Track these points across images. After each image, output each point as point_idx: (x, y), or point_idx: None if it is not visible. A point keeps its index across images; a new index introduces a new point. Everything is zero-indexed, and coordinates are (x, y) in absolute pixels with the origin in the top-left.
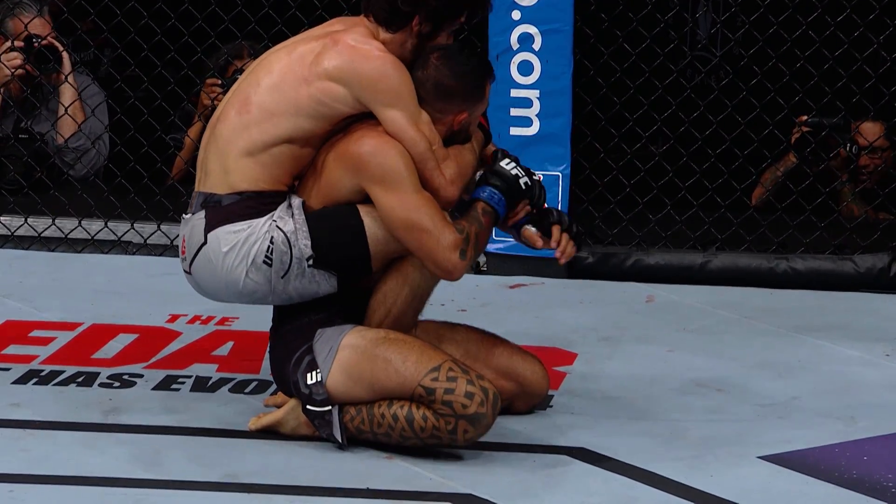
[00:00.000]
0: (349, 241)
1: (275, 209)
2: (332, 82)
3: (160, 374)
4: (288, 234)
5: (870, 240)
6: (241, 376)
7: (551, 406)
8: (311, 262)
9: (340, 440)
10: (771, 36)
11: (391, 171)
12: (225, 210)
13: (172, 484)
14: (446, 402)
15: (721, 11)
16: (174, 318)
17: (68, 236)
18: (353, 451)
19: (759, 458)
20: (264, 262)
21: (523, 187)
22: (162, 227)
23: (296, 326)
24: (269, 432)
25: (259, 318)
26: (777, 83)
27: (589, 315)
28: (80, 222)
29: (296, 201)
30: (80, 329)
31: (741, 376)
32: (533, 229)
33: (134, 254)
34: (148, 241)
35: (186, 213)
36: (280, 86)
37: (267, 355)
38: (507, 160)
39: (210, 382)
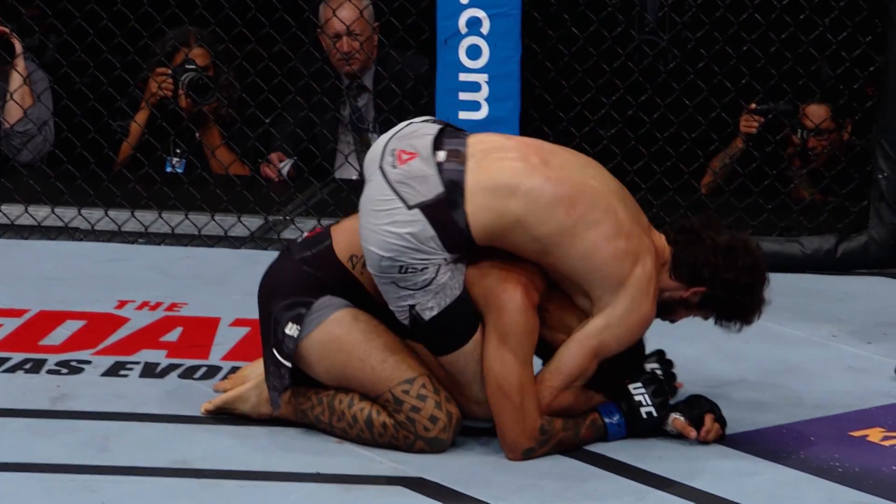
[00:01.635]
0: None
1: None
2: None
3: (108, 361)
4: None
5: (816, 222)
6: (190, 362)
7: None
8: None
9: (276, 402)
10: (718, 19)
11: (513, 332)
12: (445, 213)
13: (121, 470)
14: (410, 420)
15: None
16: (122, 304)
17: (14, 223)
18: (304, 436)
19: None
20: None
21: (644, 416)
22: (109, 213)
23: (306, 279)
24: (221, 417)
25: (208, 305)
26: (724, 67)
27: None
28: (26, 208)
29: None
30: (27, 316)
31: (689, 358)
32: (682, 419)
33: (81, 240)
34: (95, 228)
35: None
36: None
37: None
38: (638, 385)
39: (159, 368)
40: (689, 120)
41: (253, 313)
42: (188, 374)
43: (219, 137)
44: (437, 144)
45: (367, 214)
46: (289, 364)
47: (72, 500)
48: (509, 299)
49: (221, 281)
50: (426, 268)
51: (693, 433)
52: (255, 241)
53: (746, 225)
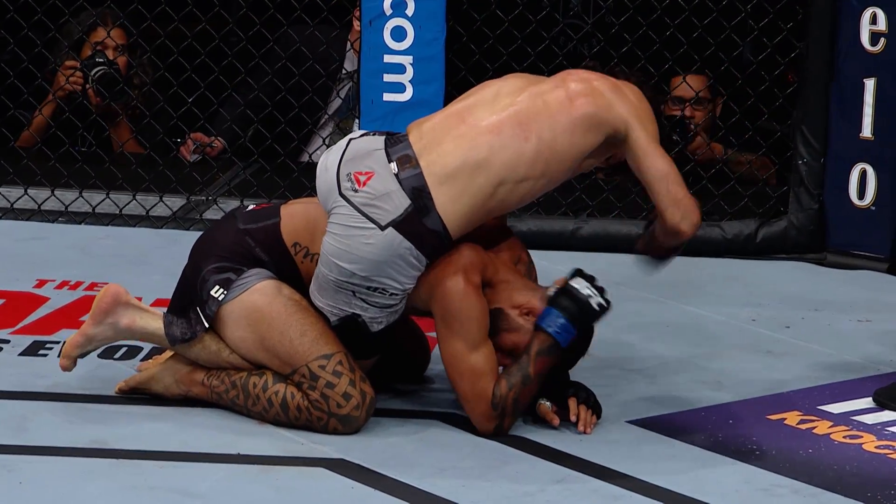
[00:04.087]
0: None
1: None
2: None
3: (27, 340)
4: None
5: (737, 206)
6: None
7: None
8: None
9: (174, 345)
10: (641, 4)
11: (457, 318)
12: (418, 224)
13: (39, 450)
14: (324, 396)
15: None
16: (42, 283)
17: None
18: (224, 417)
19: (628, 422)
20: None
21: (597, 308)
22: (29, 191)
23: (244, 250)
24: (138, 398)
25: (129, 284)
26: (648, 51)
27: None
28: None
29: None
30: None
31: (610, 341)
32: (548, 404)
33: (0, 218)
34: (14, 206)
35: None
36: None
37: None
38: (580, 279)
39: None
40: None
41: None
42: (108, 354)
43: (128, 133)
44: (388, 156)
45: (339, 237)
46: (206, 325)
47: None
48: (450, 286)
49: (142, 261)
50: (395, 294)
51: (556, 420)
52: (176, 220)
53: None
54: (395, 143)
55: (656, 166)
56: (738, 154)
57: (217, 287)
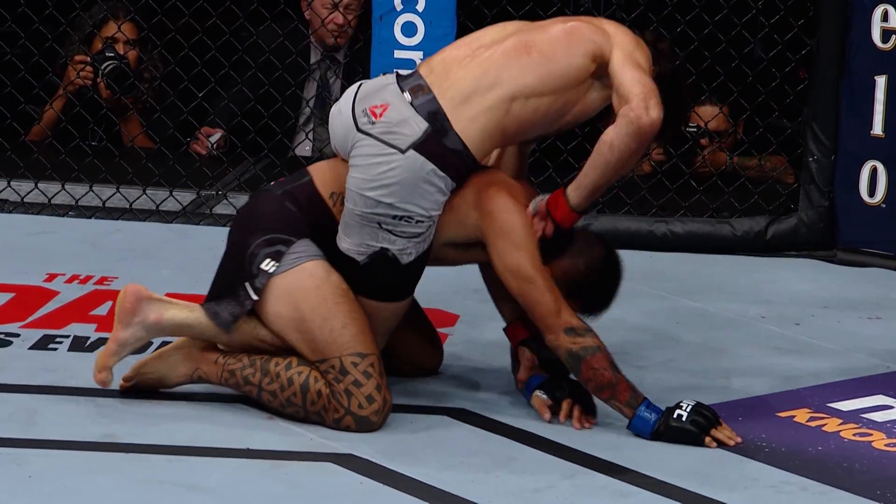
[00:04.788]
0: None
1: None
2: None
3: (37, 334)
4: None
5: (747, 203)
6: None
7: None
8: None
9: (228, 328)
10: (652, 0)
11: (515, 230)
12: (439, 145)
13: (49, 444)
14: (348, 393)
15: None
16: (52, 277)
17: None
18: (233, 411)
19: None
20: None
21: (674, 416)
22: (39, 185)
23: (288, 216)
24: (147, 393)
25: (139, 279)
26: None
27: (470, 277)
28: None
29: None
30: None
31: (620, 338)
32: (543, 396)
33: (11, 212)
34: (25, 200)
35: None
36: None
37: None
38: (689, 402)
39: (88, 342)
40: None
41: (184, 288)
42: None
43: (138, 127)
44: (400, 88)
45: (363, 169)
46: (255, 298)
47: None
48: (503, 201)
49: (152, 255)
50: (422, 222)
51: (547, 415)
52: (186, 215)
53: (678, 206)
54: (406, 77)
55: (630, 73)
56: (745, 159)
57: (268, 260)
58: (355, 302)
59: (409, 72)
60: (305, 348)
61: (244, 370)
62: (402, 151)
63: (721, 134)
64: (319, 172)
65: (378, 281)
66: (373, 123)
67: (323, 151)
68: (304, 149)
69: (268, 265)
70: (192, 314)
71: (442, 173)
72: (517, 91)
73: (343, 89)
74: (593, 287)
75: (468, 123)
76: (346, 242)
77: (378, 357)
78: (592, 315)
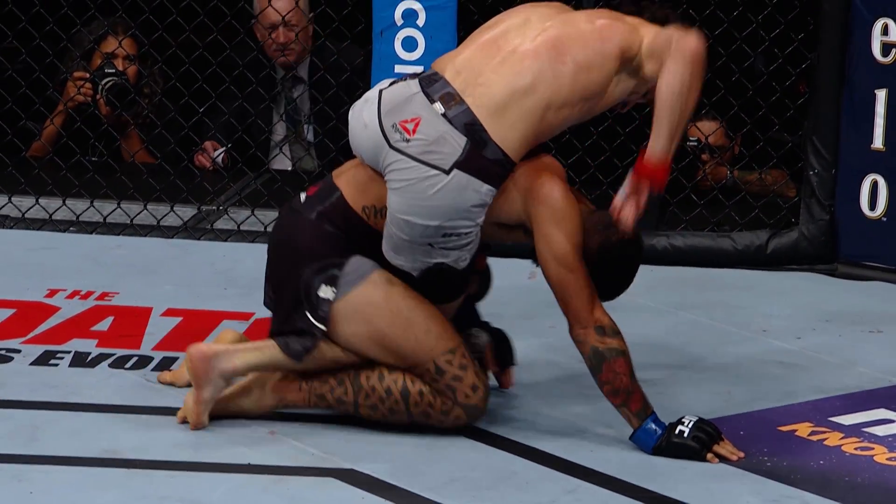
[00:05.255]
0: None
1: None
2: None
3: (38, 350)
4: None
5: (748, 217)
6: (121, 352)
7: None
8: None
9: (300, 360)
10: None
11: (565, 217)
12: (480, 158)
13: (51, 460)
14: (450, 388)
15: None
16: (53, 292)
17: None
18: (235, 427)
19: None
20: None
21: (676, 432)
22: (40, 200)
23: (329, 238)
24: (150, 408)
25: (140, 294)
26: None
27: None
28: None
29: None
30: None
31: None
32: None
33: (11, 227)
34: (26, 215)
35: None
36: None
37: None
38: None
39: (89, 358)
40: (625, 115)
41: (184, 303)
42: (119, 363)
43: (139, 142)
44: (429, 97)
45: (405, 192)
46: (323, 327)
47: (0, 490)
48: (550, 189)
49: (153, 270)
50: (469, 233)
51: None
52: (187, 230)
53: (679, 220)
54: (431, 82)
55: (659, 33)
56: (745, 174)
57: (324, 287)
58: (423, 299)
59: (429, 73)
60: (392, 359)
61: (334, 391)
62: (447, 172)
63: (719, 149)
64: (346, 185)
65: (437, 288)
66: (407, 141)
67: (296, 166)
68: (283, 163)
69: (325, 292)
70: (264, 354)
71: (487, 186)
72: (551, 100)
73: (312, 102)
74: (606, 269)
75: (506, 132)
76: (398, 260)
77: (465, 345)
78: (603, 300)
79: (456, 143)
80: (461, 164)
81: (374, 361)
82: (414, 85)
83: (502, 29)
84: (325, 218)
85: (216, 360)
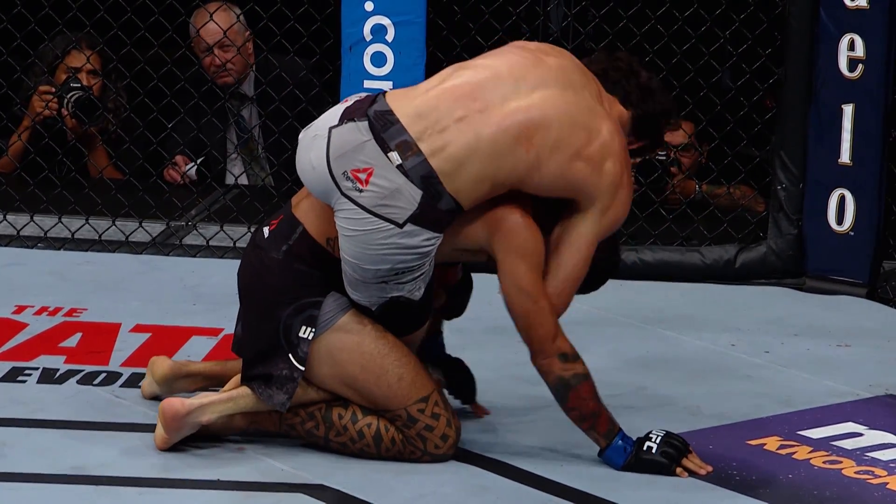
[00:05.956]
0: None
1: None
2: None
3: (6, 366)
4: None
5: (716, 232)
6: (89, 368)
7: None
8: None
9: (285, 407)
10: (621, 30)
11: (527, 249)
12: (434, 210)
13: (19, 477)
14: (421, 437)
15: (572, 5)
16: (20, 309)
17: None
18: (204, 443)
19: None
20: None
21: (644, 449)
22: (7, 217)
23: (301, 276)
24: (116, 424)
25: (108, 310)
26: None
27: None
28: None
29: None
30: None
31: (590, 366)
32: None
33: None
34: None
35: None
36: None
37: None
38: (659, 433)
39: (57, 374)
40: None
41: (153, 319)
42: (87, 379)
43: (106, 158)
44: (382, 145)
45: (357, 241)
46: (302, 368)
47: None
48: (514, 220)
49: (122, 286)
50: (421, 265)
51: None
52: (156, 246)
53: (648, 235)
54: (386, 125)
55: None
56: (714, 188)
57: (304, 327)
58: (397, 342)
59: (383, 110)
60: (364, 402)
61: (304, 424)
62: (400, 226)
63: (686, 150)
64: (305, 216)
65: (397, 321)
66: (360, 191)
67: (251, 182)
68: (244, 178)
69: (305, 332)
70: (238, 404)
71: (438, 234)
72: (506, 179)
73: (259, 118)
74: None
75: (461, 186)
76: (356, 295)
77: (439, 391)
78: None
79: (412, 196)
80: (415, 219)
81: (343, 398)
82: (365, 130)
83: (480, 79)
84: (293, 256)
85: (189, 417)
